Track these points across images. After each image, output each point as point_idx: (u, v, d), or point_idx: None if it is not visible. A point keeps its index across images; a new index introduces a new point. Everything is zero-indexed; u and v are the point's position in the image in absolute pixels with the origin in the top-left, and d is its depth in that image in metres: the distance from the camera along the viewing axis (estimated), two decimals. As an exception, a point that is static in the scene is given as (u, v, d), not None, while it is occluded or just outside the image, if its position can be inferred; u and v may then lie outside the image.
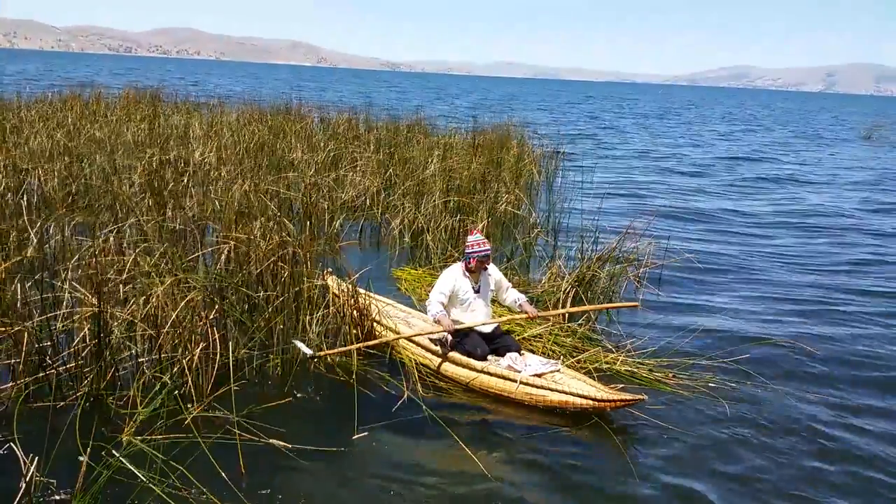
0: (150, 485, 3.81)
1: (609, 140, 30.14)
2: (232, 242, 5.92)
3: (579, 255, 8.06)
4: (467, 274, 5.83)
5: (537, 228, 9.80)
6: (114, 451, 3.95)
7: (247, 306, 5.66)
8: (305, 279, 5.69)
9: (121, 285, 5.07)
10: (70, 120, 14.25)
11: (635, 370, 5.93)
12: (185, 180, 9.52)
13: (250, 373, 5.30)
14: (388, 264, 8.85)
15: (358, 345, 5.73)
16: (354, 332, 5.77)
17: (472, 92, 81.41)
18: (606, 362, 6.02)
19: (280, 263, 5.83)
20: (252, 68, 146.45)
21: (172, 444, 4.16)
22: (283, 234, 6.37)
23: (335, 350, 5.66)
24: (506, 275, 7.85)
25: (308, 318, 5.67)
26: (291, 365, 5.47)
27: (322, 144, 13.47)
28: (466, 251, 5.82)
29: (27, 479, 3.48)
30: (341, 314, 5.78)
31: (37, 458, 3.54)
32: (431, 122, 18.24)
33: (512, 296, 6.01)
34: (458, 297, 5.80)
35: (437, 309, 5.69)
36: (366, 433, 4.74)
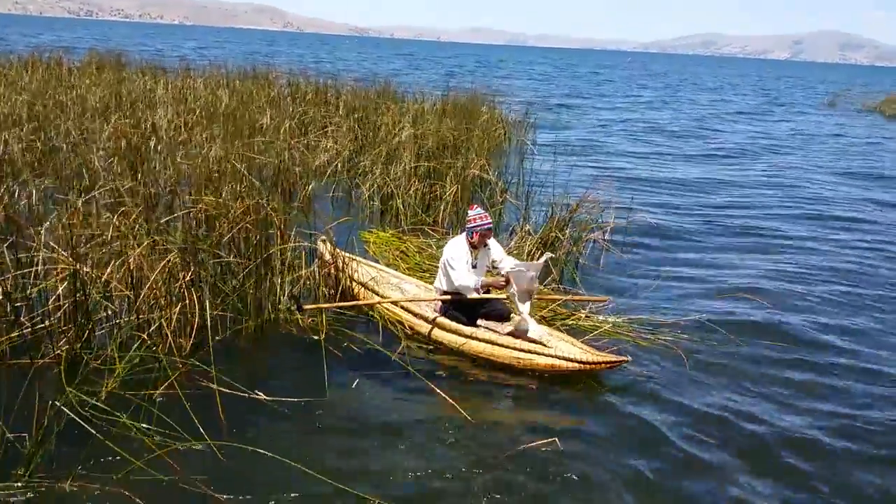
0: (136, 434, 3.97)
1: (583, 106, 30.38)
2: (203, 206, 5.99)
3: (548, 216, 8.28)
4: (469, 249, 5.84)
5: (505, 193, 9.97)
6: (94, 402, 4.09)
7: (219, 269, 5.76)
8: (278, 242, 5.80)
9: (97, 246, 5.14)
10: (34, 85, 14.01)
11: (599, 326, 6.18)
12: (154, 145, 9.52)
13: (224, 332, 5.43)
14: (358, 227, 8.97)
15: (351, 303, 5.95)
16: (331, 293, 5.92)
17: (449, 58, 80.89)
18: (571, 319, 6.28)
19: (251, 227, 5.93)
20: (217, 34, 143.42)
21: (150, 400, 4.31)
22: (255, 198, 6.46)
23: (327, 304, 5.85)
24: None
25: (280, 280, 5.79)
26: (265, 327, 5.61)
27: (291, 110, 13.45)
28: (468, 226, 5.81)
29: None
30: (314, 278, 5.93)
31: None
32: (404, 89, 18.22)
33: (509, 264, 5.94)
34: None
35: (475, 280, 5.69)
36: (345, 387, 4.96)
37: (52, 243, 5.03)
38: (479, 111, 15.62)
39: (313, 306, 5.78)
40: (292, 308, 5.76)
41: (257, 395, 4.64)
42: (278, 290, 5.73)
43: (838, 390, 5.56)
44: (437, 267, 7.45)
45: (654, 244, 9.51)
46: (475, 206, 6.00)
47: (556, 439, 4.50)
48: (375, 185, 9.87)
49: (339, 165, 11.05)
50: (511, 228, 8.67)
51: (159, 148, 9.30)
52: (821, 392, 5.50)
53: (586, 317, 6.34)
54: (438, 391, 4.94)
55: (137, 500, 3.60)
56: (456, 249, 5.78)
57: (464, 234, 5.91)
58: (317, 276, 6.00)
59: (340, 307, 5.97)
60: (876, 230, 11.22)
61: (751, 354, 6.08)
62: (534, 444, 4.47)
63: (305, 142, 11.39)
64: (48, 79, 15.40)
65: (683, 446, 4.58)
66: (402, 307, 6.11)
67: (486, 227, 5.77)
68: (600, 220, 8.70)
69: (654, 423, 4.82)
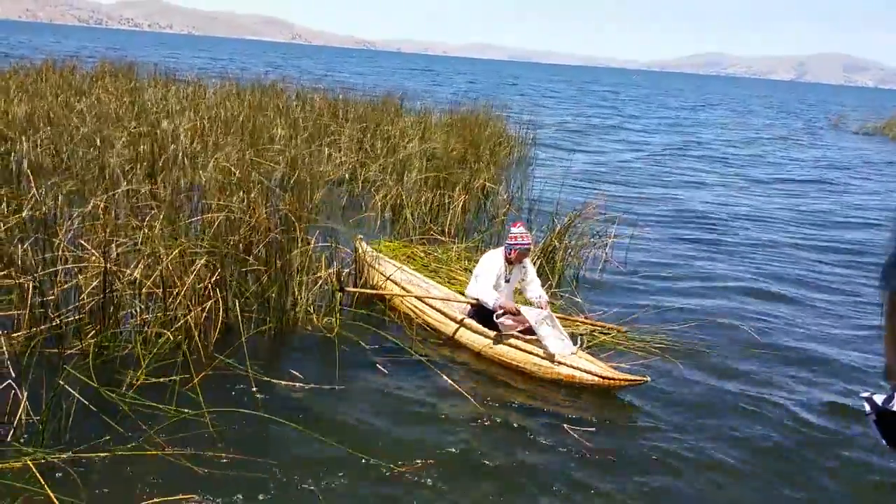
0: (166, 412, 4.23)
1: (591, 120, 30.63)
2: (225, 212, 6.23)
3: (549, 228, 8.52)
4: (505, 263, 5.96)
5: (508, 204, 10.22)
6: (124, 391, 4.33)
7: (241, 271, 6.01)
8: (298, 245, 6.04)
9: (121, 246, 5.39)
10: (48, 91, 14.30)
11: (598, 335, 6.43)
12: (170, 152, 9.78)
13: (248, 332, 5.67)
14: (368, 237, 9.20)
15: (387, 291, 6.47)
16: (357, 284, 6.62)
17: (460, 74, 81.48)
18: (572, 328, 6.51)
19: (272, 231, 6.19)
20: (225, 45, 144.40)
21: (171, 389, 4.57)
22: (274, 204, 6.73)
23: (366, 290, 6.47)
24: (478, 247, 8.33)
25: (299, 282, 6.04)
26: (285, 329, 5.87)
27: (301, 122, 13.72)
28: (508, 242, 5.91)
29: (18, 418, 3.88)
30: (332, 281, 6.21)
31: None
32: (412, 103, 18.57)
33: (535, 291, 6.09)
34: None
35: (494, 297, 5.77)
36: (360, 378, 5.30)
37: (82, 242, 5.28)
38: (488, 125, 15.91)
39: (354, 290, 6.43)
40: (311, 307, 6.04)
41: (296, 381, 5.02)
42: (295, 292, 5.96)
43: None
44: (442, 268, 7.70)
45: (654, 257, 9.74)
46: (519, 223, 6.10)
47: (569, 427, 4.78)
48: (388, 196, 10.10)
49: (348, 176, 11.32)
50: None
51: (177, 155, 9.54)
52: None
53: (602, 333, 6.51)
54: (447, 379, 5.28)
55: (164, 470, 3.85)
56: (490, 261, 5.92)
57: (502, 248, 6.03)
58: (333, 280, 6.25)
59: (377, 294, 6.50)
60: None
61: (751, 363, 6.29)
62: (542, 433, 4.75)
63: (316, 152, 11.65)
64: (63, 85, 15.72)
65: (690, 455, 4.72)
66: (430, 305, 6.33)
67: (525, 247, 5.87)
68: (604, 232, 8.96)
69: (668, 434, 4.98)
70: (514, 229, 5.95)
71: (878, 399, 1.47)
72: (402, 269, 7.05)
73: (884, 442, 1.50)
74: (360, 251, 7.02)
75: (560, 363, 5.54)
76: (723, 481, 4.45)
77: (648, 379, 5.37)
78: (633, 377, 5.42)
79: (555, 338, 5.59)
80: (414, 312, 6.42)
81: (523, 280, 6.13)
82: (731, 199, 15.04)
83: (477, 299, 5.94)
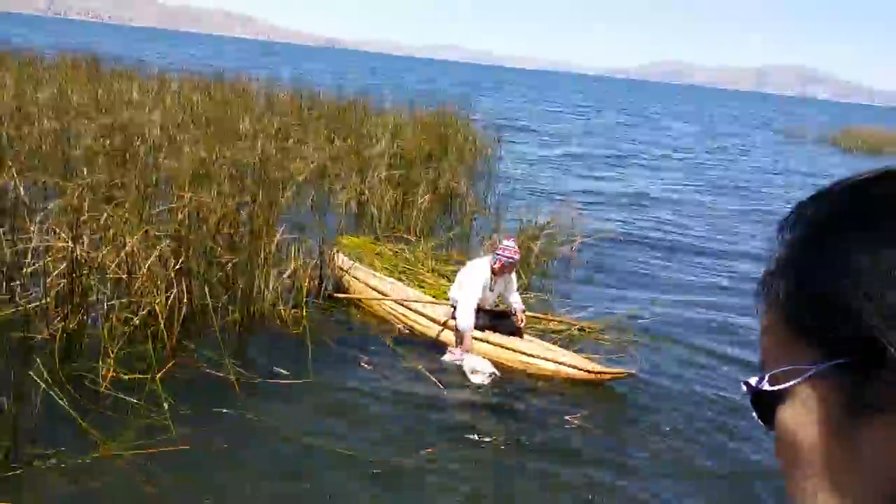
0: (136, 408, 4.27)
1: (552, 126, 30.99)
2: (196, 200, 6.28)
3: (518, 229, 8.72)
4: (490, 274, 6.01)
5: (476, 205, 10.41)
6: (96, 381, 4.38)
7: (208, 261, 6.07)
8: (264, 238, 6.12)
9: (88, 232, 5.43)
10: (8, 82, 14.07)
11: (566, 329, 6.66)
12: (137, 144, 9.75)
13: (213, 322, 5.73)
14: (335, 232, 9.29)
15: (374, 297, 6.53)
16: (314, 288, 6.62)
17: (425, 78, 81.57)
18: (541, 324, 6.72)
19: (238, 222, 6.27)
20: (184, 40, 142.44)
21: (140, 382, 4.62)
22: (239, 196, 6.80)
23: (353, 295, 6.56)
24: (446, 246, 8.51)
25: (266, 273, 6.12)
26: (252, 319, 5.94)
27: (266, 119, 13.74)
28: (497, 252, 6.00)
29: None
30: (303, 271, 6.31)
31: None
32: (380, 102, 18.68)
33: (513, 299, 6.21)
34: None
35: (469, 322, 5.75)
36: (330, 370, 5.37)
37: (53, 227, 5.31)
38: (454, 126, 16.09)
39: (342, 295, 6.58)
40: (279, 299, 6.14)
41: (282, 375, 5.12)
42: (262, 283, 6.03)
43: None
44: (410, 269, 7.81)
45: (617, 255, 10.05)
46: (512, 238, 6.28)
47: (556, 419, 4.89)
48: (352, 192, 10.20)
49: (316, 172, 11.38)
50: (481, 238, 9.08)
51: (145, 146, 9.54)
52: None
53: (578, 330, 6.72)
54: (420, 368, 5.47)
55: (135, 471, 3.89)
56: (478, 272, 5.96)
57: (488, 257, 6.11)
58: (301, 273, 6.35)
59: (365, 300, 6.56)
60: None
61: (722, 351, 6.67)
62: (510, 421, 4.98)
63: (283, 147, 11.69)
64: (23, 76, 15.46)
65: (679, 444, 4.93)
66: (413, 310, 6.44)
67: (511, 261, 5.94)
68: (571, 234, 9.26)
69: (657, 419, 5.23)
70: (506, 242, 6.09)
71: (752, 381, 1.63)
72: (383, 279, 7.10)
73: (761, 422, 1.66)
74: (338, 262, 7.06)
75: (546, 360, 5.72)
76: (713, 464, 4.71)
77: (634, 372, 5.62)
78: (618, 371, 5.61)
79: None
80: (395, 318, 6.50)
81: (504, 290, 6.26)
82: (690, 198, 15.50)
83: (454, 308, 6.02)
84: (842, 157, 32.65)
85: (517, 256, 6.03)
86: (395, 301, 6.51)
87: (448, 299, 6.31)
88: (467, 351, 5.76)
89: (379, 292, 6.71)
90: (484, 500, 4.13)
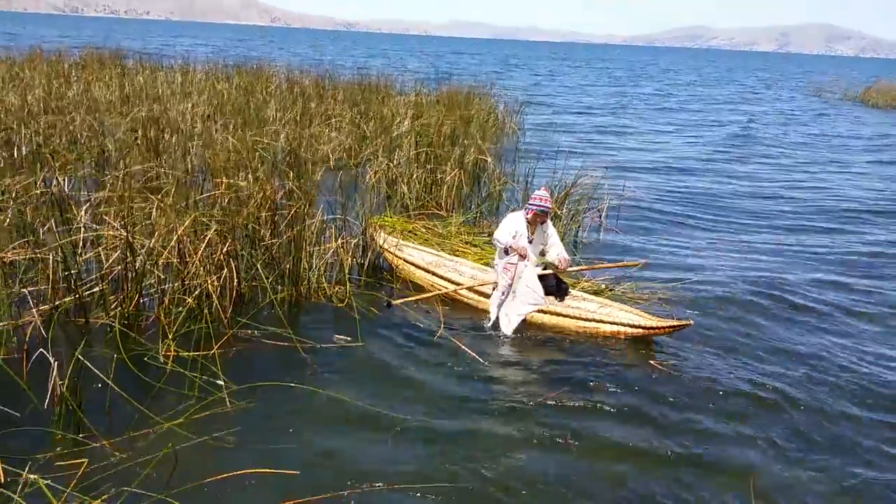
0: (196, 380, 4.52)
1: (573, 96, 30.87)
2: (236, 187, 6.50)
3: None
4: (526, 223, 6.25)
5: (503, 178, 10.51)
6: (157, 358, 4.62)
7: (252, 243, 6.31)
8: (305, 219, 6.32)
9: (137, 220, 5.67)
10: (37, 80, 14.38)
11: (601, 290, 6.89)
12: (169, 136, 9.99)
13: (263, 300, 5.97)
14: (368, 212, 9.47)
15: (432, 294, 6.43)
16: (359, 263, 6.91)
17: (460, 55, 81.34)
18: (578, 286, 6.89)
19: (275, 208, 6.49)
20: (207, 30, 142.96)
21: (202, 357, 4.85)
22: (277, 180, 7.02)
23: (412, 297, 6.35)
24: (477, 218, 8.64)
25: (310, 253, 6.34)
26: (299, 295, 6.19)
27: (291, 104, 13.90)
28: (529, 202, 6.22)
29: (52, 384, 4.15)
30: (345, 250, 6.55)
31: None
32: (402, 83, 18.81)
33: (556, 251, 6.32)
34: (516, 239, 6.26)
35: (508, 238, 6.07)
36: (377, 339, 5.69)
37: (106, 218, 5.55)
38: (479, 101, 16.15)
39: (400, 301, 6.27)
40: (323, 277, 6.35)
41: (302, 341, 5.35)
42: (306, 263, 6.25)
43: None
44: (445, 242, 7.98)
45: (647, 219, 10.19)
46: (543, 188, 6.41)
47: (573, 391, 5.10)
48: (381, 172, 10.35)
49: (344, 155, 11.55)
50: (513, 208, 9.20)
51: (174, 139, 9.78)
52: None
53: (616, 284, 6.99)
54: (454, 341, 5.67)
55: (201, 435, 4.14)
56: (512, 220, 6.24)
57: (523, 210, 6.32)
58: (341, 252, 6.55)
59: (422, 298, 6.40)
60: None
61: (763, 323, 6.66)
62: (551, 392, 5.06)
63: (309, 133, 11.86)
64: (52, 74, 15.77)
65: (713, 408, 5.00)
66: (467, 288, 6.52)
67: (541, 208, 6.10)
68: (599, 198, 9.43)
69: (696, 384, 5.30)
70: (537, 192, 6.25)
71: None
72: (427, 250, 7.21)
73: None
74: (380, 241, 7.20)
75: (601, 321, 5.81)
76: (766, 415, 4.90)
77: (692, 322, 5.64)
78: (678, 322, 5.64)
79: (526, 295, 5.92)
80: (456, 295, 6.59)
81: (545, 243, 6.40)
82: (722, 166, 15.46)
83: (497, 240, 6.21)
84: None
85: (549, 204, 6.16)
86: (453, 292, 6.52)
87: (493, 268, 6.47)
88: (521, 253, 5.96)
89: (432, 273, 6.79)
90: (521, 469, 4.25)
